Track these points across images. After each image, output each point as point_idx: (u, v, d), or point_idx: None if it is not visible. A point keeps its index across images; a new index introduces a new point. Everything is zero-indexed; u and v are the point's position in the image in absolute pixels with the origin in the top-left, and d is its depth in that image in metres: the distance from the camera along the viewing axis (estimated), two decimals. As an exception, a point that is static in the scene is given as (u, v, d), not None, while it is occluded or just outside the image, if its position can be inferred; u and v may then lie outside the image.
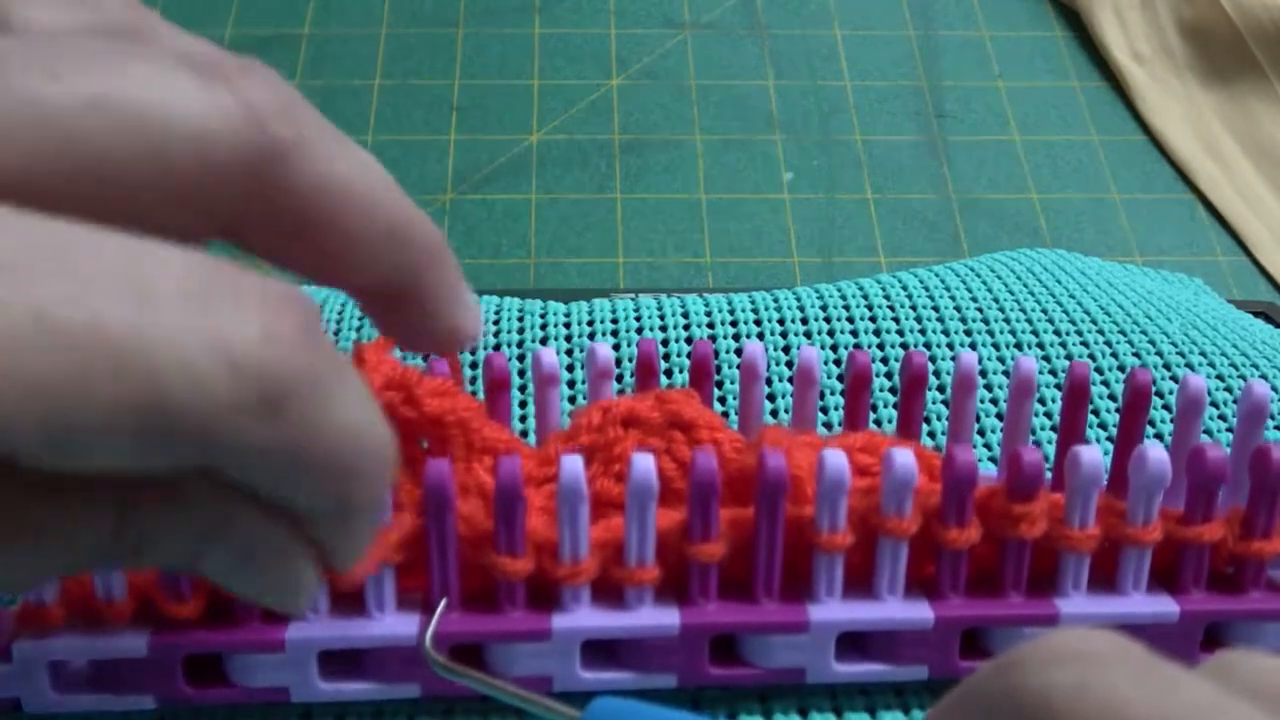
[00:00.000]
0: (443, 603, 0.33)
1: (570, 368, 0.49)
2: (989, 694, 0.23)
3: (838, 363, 0.49)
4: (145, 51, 0.23)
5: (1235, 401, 0.48)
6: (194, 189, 0.23)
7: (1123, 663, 0.22)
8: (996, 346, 0.50)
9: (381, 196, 0.27)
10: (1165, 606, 0.35)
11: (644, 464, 0.33)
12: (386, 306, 0.30)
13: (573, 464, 0.33)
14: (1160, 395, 0.48)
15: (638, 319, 0.51)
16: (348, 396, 0.23)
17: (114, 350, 0.20)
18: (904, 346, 0.50)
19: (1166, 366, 0.50)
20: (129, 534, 0.24)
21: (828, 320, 0.51)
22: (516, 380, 0.48)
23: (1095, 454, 0.34)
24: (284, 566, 0.27)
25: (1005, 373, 0.49)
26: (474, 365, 0.49)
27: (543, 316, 0.52)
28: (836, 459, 0.33)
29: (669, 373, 0.49)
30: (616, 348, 0.50)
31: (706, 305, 0.52)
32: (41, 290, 0.20)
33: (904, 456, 0.33)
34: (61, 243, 0.20)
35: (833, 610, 0.35)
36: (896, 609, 0.35)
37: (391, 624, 0.34)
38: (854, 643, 0.36)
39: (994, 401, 0.48)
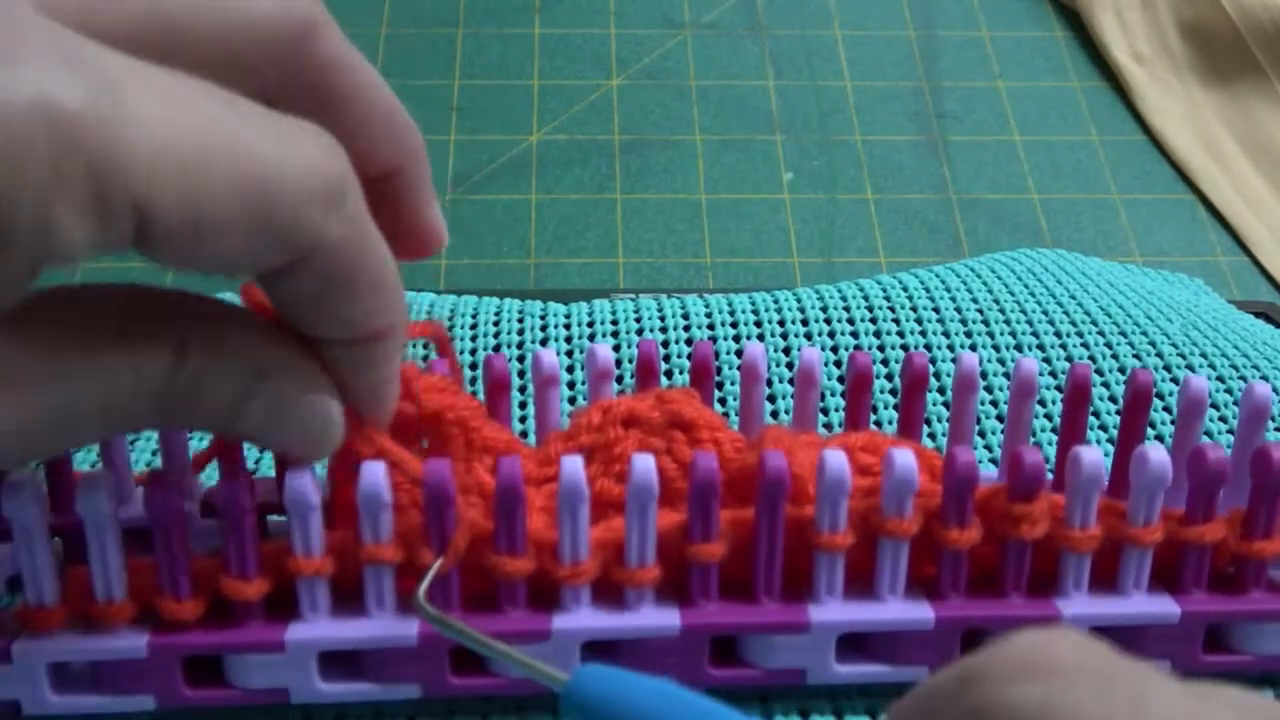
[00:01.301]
0: (438, 561, 0.33)
1: (570, 369, 0.49)
2: (950, 712, 0.22)
3: (838, 364, 0.49)
4: None
5: (1235, 403, 0.48)
6: (244, 48, 0.29)
7: (1087, 675, 0.21)
8: (997, 347, 0.50)
9: (382, 87, 0.32)
10: (1166, 607, 0.35)
11: (644, 465, 0.33)
12: (374, 202, 0.32)
13: (573, 465, 0.33)
14: (1160, 396, 0.48)
15: (638, 320, 0.51)
16: (369, 217, 0.29)
17: (229, 142, 0.26)
18: (904, 347, 0.50)
19: (1167, 368, 0.50)
20: (184, 372, 0.29)
21: (828, 321, 0.51)
22: (516, 381, 0.48)
23: (1096, 455, 0.34)
24: (314, 408, 0.31)
25: (1005, 374, 0.49)
26: (474, 367, 0.49)
27: (543, 317, 0.52)
28: (837, 459, 0.33)
29: (669, 374, 0.49)
30: (616, 349, 0.50)
31: (707, 306, 0.52)
32: (161, 93, 0.25)
33: (905, 457, 0.33)
34: (160, 74, 0.26)
35: (833, 611, 0.35)
36: (897, 609, 0.35)
37: (391, 625, 0.34)
38: (854, 643, 0.36)
39: (994, 403, 0.48)
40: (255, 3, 0.29)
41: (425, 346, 0.48)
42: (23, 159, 0.23)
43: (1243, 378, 0.49)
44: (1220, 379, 0.49)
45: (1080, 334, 0.51)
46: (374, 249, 0.29)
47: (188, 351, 0.29)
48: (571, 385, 0.49)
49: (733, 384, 0.49)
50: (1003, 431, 0.43)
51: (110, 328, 0.28)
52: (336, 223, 0.27)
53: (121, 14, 0.27)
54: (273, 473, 0.39)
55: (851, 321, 0.51)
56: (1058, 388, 0.49)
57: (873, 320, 0.51)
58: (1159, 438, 0.47)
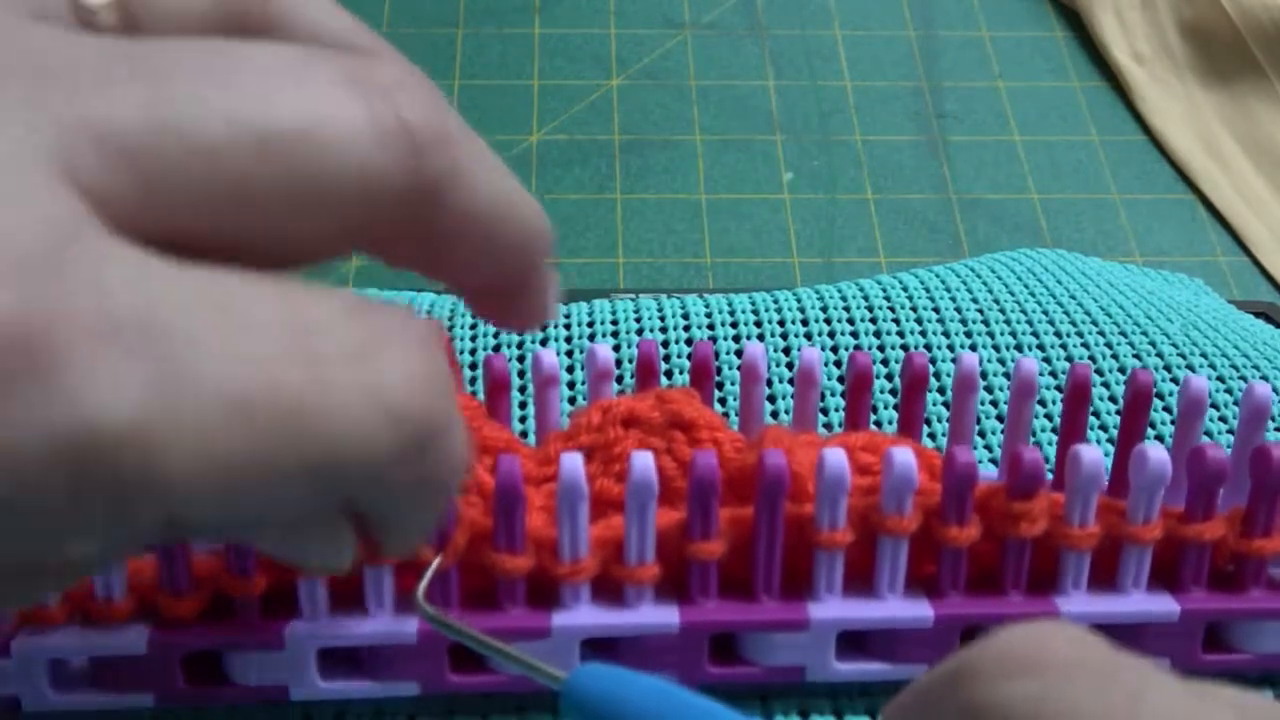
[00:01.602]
0: (436, 559, 0.33)
1: (570, 369, 0.49)
2: (945, 709, 0.22)
3: (838, 364, 0.49)
4: (301, 59, 0.23)
5: (1236, 403, 0.48)
6: (348, 222, 0.23)
7: (1082, 671, 0.21)
8: (997, 348, 0.50)
9: (515, 210, 0.26)
10: (1166, 605, 0.35)
11: (643, 463, 0.33)
12: (485, 295, 0.30)
13: (572, 462, 0.33)
14: (1161, 396, 0.48)
15: (638, 320, 0.51)
16: (459, 426, 0.24)
17: (291, 418, 0.20)
18: (904, 347, 0.50)
19: (1167, 368, 0.50)
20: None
21: (828, 321, 0.51)
22: (516, 381, 0.48)
23: (1095, 453, 0.34)
24: (330, 543, 0.27)
25: (1005, 374, 0.49)
26: (474, 367, 0.49)
27: (543, 317, 0.51)
28: (836, 457, 0.33)
29: (669, 374, 0.49)
30: (616, 349, 0.50)
31: (707, 306, 0.52)
32: (221, 363, 0.20)
33: (904, 455, 0.33)
34: (228, 301, 0.20)
35: (833, 608, 0.35)
36: (897, 607, 0.35)
37: (391, 622, 0.34)
38: (854, 641, 0.36)
39: (994, 403, 0.48)
40: (373, 166, 0.23)
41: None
42: (33, 499, 0.19)
43: (1243, 378, 0.49)
44: (1220, 379, 0.49)
45: (1080, 334, 0.51)
46: (452, 477, 0.25)
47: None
48: (571, 385, 0.49)
49: (733, 384, 0.48)
50: (1003, 431, 0.43)
51: None
52: (414, 471, 0.23)
53: (196, 213, 0.21)
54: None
55: (851, 321, 0.51)
56: (1058, 387, 0.49)
57: (873, 320, 0.51)
58: (1159, 437, 0.47)
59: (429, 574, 0.33)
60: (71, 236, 0.19)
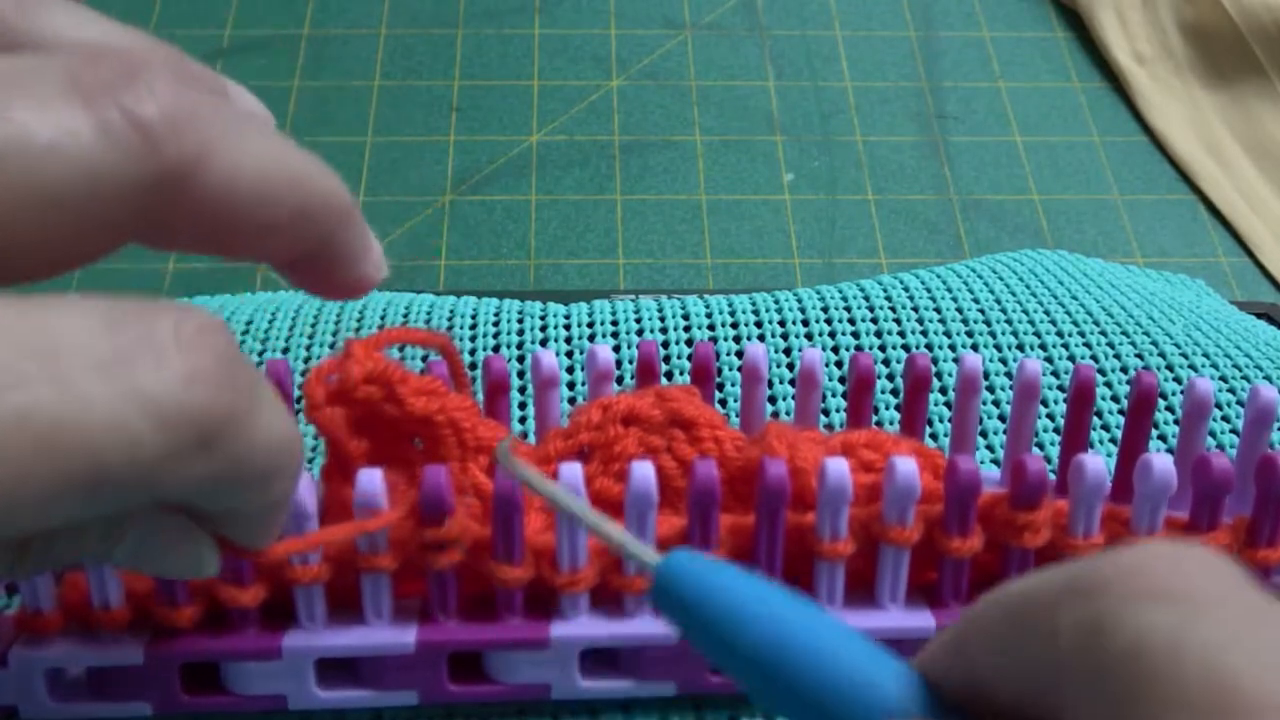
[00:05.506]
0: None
1: (570, 369, 0.49)
2: (1055, 621, 0.19)
3: (839, 364, 0.49)
4: (20, 76, 0.23)
5: (1238, 403, 0.48)
6: (91, 222, 0.23)
7: (1228, 611, 0.18)
8: (998, 348, 0.50)
9: (289, 178, 0.26)
10: (1168, 614, 0.35)
11: (643, 473, 0.33)
12: (297, 267, 0.29)
13: (571, 473, 0.33)
14: (1163, 396, 0.48)
15: (638, 321, 0.51)
16: (268, 414, 0.23)
17: (45, 436, 0.20)
18: (905, 348, 0.50)
19: (1169, 368, 0.49)
20: (34, 544, 0.25)
21: (829, 322, 0.51)
22: (516, 382, 0.48)
23: (1099, 463, 0.33)
24: (185, 548, 0.27)
25: (1007, 374, 0.49)
26: (473, 367, 0.49)
27: (542, 318, 0.51)
28: (838, 467, 0.33)
29: (669, 375, 0.49)
30: (616, 349, 0.50)
31: (707, 307, 0.52)
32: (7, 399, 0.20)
33: (906, 465, 0.33)
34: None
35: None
36: (898, 617, 0.35)
37: (389, 631, 0.34)
38: (855, 650, 0.35)
39: (996, 404, 0.48)
40: (103, 167, 0.23)
41: (424, 359, 0.47)
42: None
43: (1245, 378, 0.49)
44: (1223, 379, 0.49)
45: (1082, 334, 0.51)
46: (272, 459, 0.24)
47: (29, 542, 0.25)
48: (571, 386, 0.48)
49: (733, 385, 0.48)
50: (1005, 432, 0.43)
51: None
52: (209, 466, 0.22)
53: None
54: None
55: (853, 321, 0.51)
56: (1060, 388, 0.49)
57: (874, 320, 0.51)
58: (1161, 436, 0.47)
59: (514, 434, 0.31)
60: None
